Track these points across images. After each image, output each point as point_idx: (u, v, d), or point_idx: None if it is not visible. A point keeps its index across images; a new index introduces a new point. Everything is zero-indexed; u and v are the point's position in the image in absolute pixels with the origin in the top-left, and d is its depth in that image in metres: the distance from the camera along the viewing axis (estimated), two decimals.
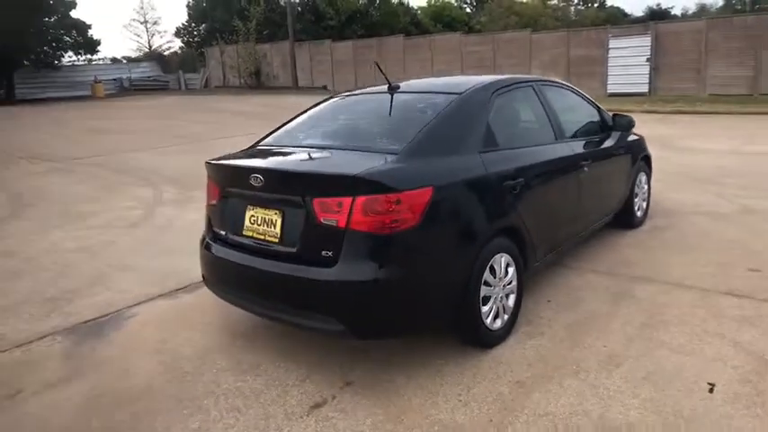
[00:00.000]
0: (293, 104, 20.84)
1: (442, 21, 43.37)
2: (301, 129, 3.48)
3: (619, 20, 47.62)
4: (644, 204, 5.19)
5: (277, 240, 2.76)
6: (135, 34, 68.66)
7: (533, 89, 3.71)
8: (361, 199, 2.47)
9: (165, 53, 45.26)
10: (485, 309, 2.90)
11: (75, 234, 5.72)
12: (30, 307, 3.95)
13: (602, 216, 4.38)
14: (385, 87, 3.54)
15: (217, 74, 33.91)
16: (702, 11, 58.05)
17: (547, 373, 2.78)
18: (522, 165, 3.20)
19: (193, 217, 6.23)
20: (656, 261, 4.25)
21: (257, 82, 30.85)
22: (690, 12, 58.11)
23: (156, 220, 6.21)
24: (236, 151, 3.44)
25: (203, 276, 3.34)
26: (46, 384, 2.93)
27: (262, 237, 2.83)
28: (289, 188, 2.73)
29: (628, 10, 58.31)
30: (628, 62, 19.22)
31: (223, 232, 3.06)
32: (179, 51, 45.13)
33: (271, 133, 3.56)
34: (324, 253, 2.57)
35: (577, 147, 3.88)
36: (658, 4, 63.38)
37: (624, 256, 4.39)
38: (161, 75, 35.72)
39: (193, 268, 4.45)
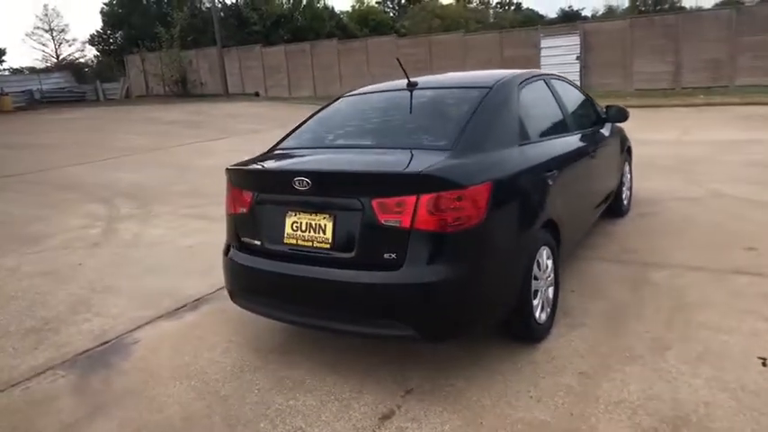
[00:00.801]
0: (229, 111, 20.38)
1: (368, 25, 43.77)
2: (326, 129, 3.35)
3: (535, 22, 50.01)
4: (628, 193, 5.42)
5: (329, 246, 2.61)
6: (40, 43, 64.06)
7: (545, 82, 3.77)
8: (426, 197, 2.39)
9: (78, 62, 42.63)
10: (534, 302, 2.90)
11: (32, 258, 5.22)
12: (10, 340, 3.55)
13: (604, 205, 4.53)
14: (399, 84, 3.48)
15: (139, 83, 32.31)
16: (610, 12, 62.08)
17: (604, 362, 2.81)
18: (553, 156, 3.24)
19: (159, 232, 5.87)
20: (655, 246, 4.44)
21: (183, 90, 29.69)
22: (599, 13, 62.15)
23: (118, 237, 5.79)
24: (253, 156, 3.25)
25: (230, 290, 3.12)
26: (66, 426, 2.62)
27: (308, 244, 2.67)
28: (343, 190, 2.61)
29: (542, 12, 61.51)
30: (559, 61, 20.09)
31: (257, 242, 2.86)
32: (94, 60, 42.67)
33: (287, 136, 3.39)
34: (386, 256, 2.47)
35: (585, 138, 3.98)
36: (570, 6, 67.00)
37: (624, 244, 4.55)
38: (76, 85, 33.57)
39: (186, 286, 4.21)
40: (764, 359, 2.71)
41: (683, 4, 39.43)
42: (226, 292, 3.33)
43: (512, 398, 2.58)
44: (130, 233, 5.92)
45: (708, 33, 17.64)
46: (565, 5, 75.76)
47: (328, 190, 2.62)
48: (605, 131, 4.55)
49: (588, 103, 4.56)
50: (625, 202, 5.27)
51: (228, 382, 2.90)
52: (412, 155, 2.69)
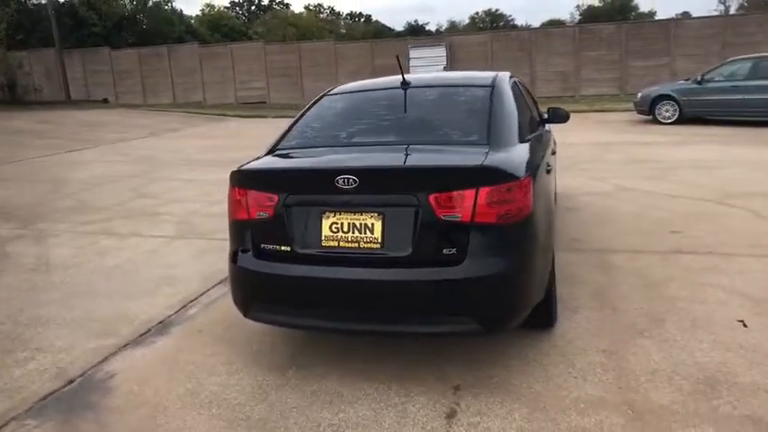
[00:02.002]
0: (82, 119, 18.34)
1: (220, 30, 42.47)
2: (333, 128, 3.21)
3: (385, 34, 52.55)
4: (557, 190, 5.92)
5: (379, 246, 2.52)
6: None
7: (516, 83, 4.01)
8: (485, 190, 2.42)
9: None
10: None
11: None
12: None
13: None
14: (390, 82, 3.48)
15: None
16: (453, 27, 67.27)
17: (619, 339, 3.06)
18: (542, 153, 3.45)
19: (67, 252, 5.16)
20: (595, 235, 4.92)
21: (12, 96, 26.04)
22: (443, 28, 67.18)
23: (14, 262, 4.96)
24: (253, 158, 3.01)
25: (244, 303, 2.84)
26: None
27: (353, 245, 2.55)
28: (396, 187, 2.53)
29: (390, 25, 64.80)
30: (428, 71, 21.21)
31: (286, 247, 2.66)
32: None
33: (284, 136, 3.19)
34: (446, 251, 2.45)
35: (547, 136, 4.30)
36: (416, 20, 71.25)
37: (569, 234, 4.97)
38: None
39: (136, 309, 3.79)
40: (743, 321, 3.16)
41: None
42: (192, 312, 3.11)
43: (558, 380, 2.70)
44: (29, 256, 5.10)
45: (557, 48, 19.88)
46: (411, 19, 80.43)
47: (378, 187, 2.53)
48: (548, 130, 4.95)
49: (535, 104, 4.92)
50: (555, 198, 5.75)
51: (256, 405, 2.65)
52: (453, 149, 2.70)
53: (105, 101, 25.70)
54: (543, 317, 3.06)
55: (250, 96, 23.73)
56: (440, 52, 21.08)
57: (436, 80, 3.71)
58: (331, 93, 3.65)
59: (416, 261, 2.48)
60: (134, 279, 4.43)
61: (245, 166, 2.85)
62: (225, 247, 5.04)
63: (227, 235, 5.39)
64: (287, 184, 2.68)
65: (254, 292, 2.79)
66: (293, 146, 3.09)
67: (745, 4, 54.44)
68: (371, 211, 2.52)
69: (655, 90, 12.59)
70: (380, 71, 22.00)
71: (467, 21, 73.85)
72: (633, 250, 4.46)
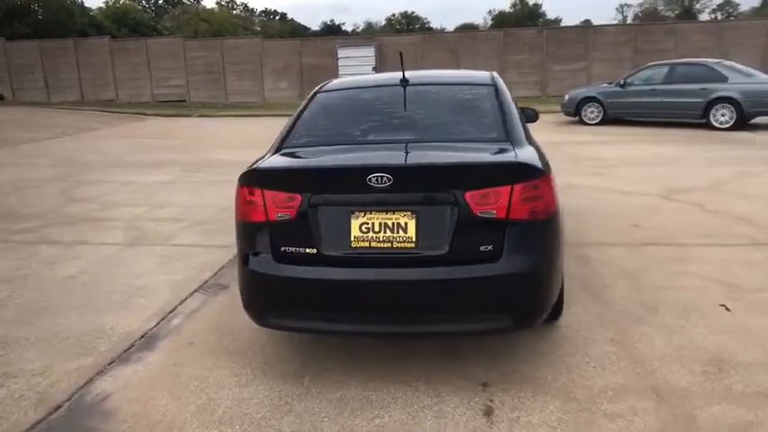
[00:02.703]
0: None
1: (127, 24, 40.26)
2: (342, 125, 3.13)
3: (301, 33, 52.28)
4: None
5: (414, 245, 2.47)
6: None
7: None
8: (519, 186, 2.46)
9: None
10: None
11: None
12: None
13: None
14: (389, 78, 3.45)
15: None
16: (370, 28, 68.00)
17: (621, 327, 3.21)
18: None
19: (5, 264, 4.67)
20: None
21: None
22: (360, 29, 67.76)
23: None
24: (261, 158, 2.86)
25: (260, 309, 2.70)
26: None
27: (386, 245, 2.49)
28: (431, 185, 2.51)
29: (306, 24, 64.58)
30: (357, 71, 21.19)
31: (311, 250, 2.55)
32: None
33: (289, 134, 3.06)
34: (482, 248, 2.46)
35: None
36: (332, 20, 71.47)
37: None
38: None
39: (111, 323, 3.55)
40: (725, 305, 3.42)
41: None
42: (175, 323, 2.98)
43: (580, 371, 2.79)
44: None
45: (483, 51, 20.56)
46: (327, 19, 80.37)
47: (413, 185, 2.49)
48: None
49: None
50: None
51: (283, 417, 2.53)
52: (477, 146, 2.72)
53: (1, 98, 23.54)
54: (553, 310, 3.15)
55: (168, 94, 22.62)
56: (369, 52, 21.15)
57: (434, 78, 3.72)
58: (326, 90, 3.55)
59: (453, 259, 2.47)
60: (97, 291, 4.09)
61: (260, 166, 2.70)
62: (189, 253, 4.85)
63: (186, 241, 5.18)
64: (312, 183, 2.58)
65: (273, 297, 2.66)
66: (302, 144, 2.98)
67: (640, 15, 59.33)
68: (404, 210, 2.48)
69: (581, 92, 13.36)
70: (309, 70, 21.78)
71: (383, 22, 75.01)
72: (602, 243, 4.70)
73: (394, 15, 77.75)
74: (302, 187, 2.55)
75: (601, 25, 22.40)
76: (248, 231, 2.71)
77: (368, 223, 2.51)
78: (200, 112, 19.12)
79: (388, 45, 21.47)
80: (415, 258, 2.49)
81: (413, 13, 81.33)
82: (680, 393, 2.57)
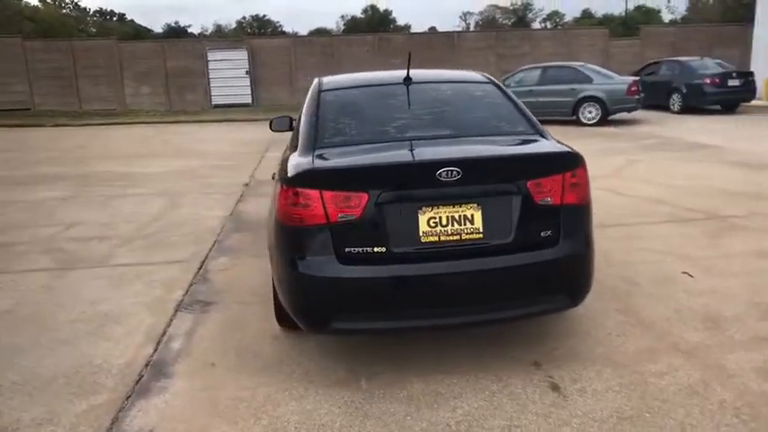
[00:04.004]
0: None
1: None
2: (370, 123, 3.09)
3: (144, 35, 49.19)
4: None
5: (482, 236, 2.55)
6: None
7: None
8: (569, 174, 2.66)
9: None
10: None
11: None
12: None
13: None
14: (393, 77, 3.50)
15: None
16: (219, 31, 65.84)
17: (619, 299, 3.56)
18: None
19: None
20: None
21: None
22: (209, 31, 65.38)
23: None
24: (302, 160, 2.72)
25: (323, 316, 2.58)
26: None
27: (455, 238, 2.53)
28: (497, 176, 2.61)
29: (147, 25, 61.16)
30: (229, 74, 20.48)
31: (380, 248, 2.50)
32: None
33: (316, 135, 2.95)
34: (543, 234, 2.62)
35: None
36: (176, 22, 68.08)
37: None
38: None
39: (99, 355, 3.19)
40: (687, 272, 3.96)
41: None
42: (176, 346, 2.96)
43: (609, 341, 3.06)
44: None
45: (359, 55, 20.90)
46: (171, 21, 76.34)
47: (480, 178, 2.56)
48: None
49: None
50: None
51: (365, 422, 2.46)
52: (516, 139, 2.86)
53: None
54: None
55: (7, 102, 19.88)
56: (241, 55, 20.48)
57: (434, 76, 3.78)
58: (329, 88, 3.44)
59: (518, 247, 2.59)
60: (54, 323, 3.57)
61: (318, 167, 2.59)
62: (140, 272, 4.46)
63: (129, 260, 4.73)
64: (380, 180, 2.53)
65: (340, 301, 2.56)
66: (338, 143, 2.90)
67: (480, 23, 64.45)
68: (470, 202, 2.55)
69: None
70: (176, 74, 20.54)
71: (233, 24, 72.89)
72: None
73: (245, 18, 75.97)
74: (369, 185, 2.50)
75: (464, 31, 24.04)
76: (300, 235, 2.58)
77: (435, 218, 2.54)
78: (55, 122, 17.11)
79: (261, 48, 20.98)
80: (482, 249, 2.57)
81: (264, 16, 79.96)
82: (699, 348, 2.96)
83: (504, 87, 3.49)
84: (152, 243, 5.22)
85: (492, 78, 3.64)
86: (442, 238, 2.55)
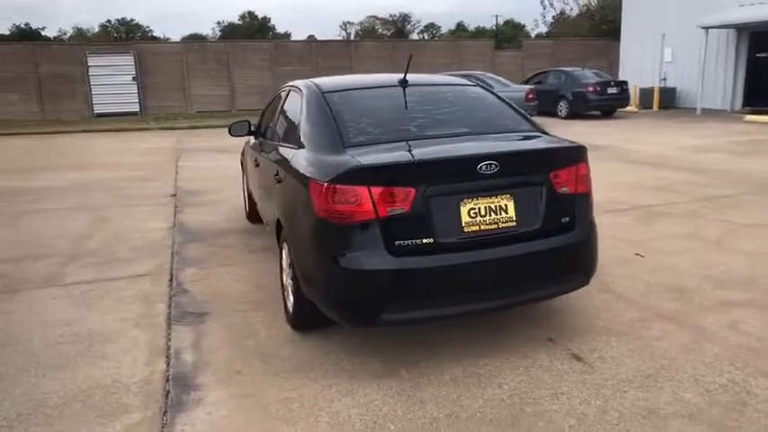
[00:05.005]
0: None
1: None
2: (388, 123, 3.20)
3: None
4: None
5: (515, 224, 2.79)
6: None
7: None
8: (581, 165, 3.00)
9: None
10: None
11: None
12: None
13: None
14: (387, 79, 3.65)
15: None
16: (80, 34, 61.19)
17: (595, 280, 3.99)
18: None
19: None
20: None
21: None
22: (67, 35, 60.45)
23: None
24: (341, 159, 2.79)
25: (373, 309, 2.66)
26: None
27: (492, 227, 2.75)
28: (527, 168, 2.85)
29: None
30: (114, 80, 19.17)
31: (428, 240, 2.64)
32: None
33: (341, 135, 3.01)
34: (563, 220, 2.92)
35: None
36: (27, 24, 62.35)
37: None
38: None
39: (106, 376, 3.04)
40: (639, 254, 4.51)
41: None
42: (189, 358, 3.09)
43: (601, 315, 3.44)
44: None
45: (254, 62, 20.55)
46: (19, 22, 69.55)
47: (513, 170, 2.78)
48: None
49: None
50: None
51: (424, 407, 2.58)
52: (527, 135, 3.16)
53: None
54: None
55: None
56: (127, 61, 19.25)
57: (428, 80, 3.93)
58: (332, 90, 3.46)
59: (544, 233, 2.86)
60: (34, 348, 3.27)
61: (365, 163, 2.66)
62: (107, 289, 4.25)
63: (86, 277, 4.48)
64: (428, 175, 2.67)
65: (391, 292, 2.66)
66: (368, 142, 2.97)
67: (360, 34, 66.01)
68: (504, 193, 2.78)
69: None
70: (51, 80, 18.89)
71: (97, 28, 67.93)
72: None
73: (110, 22, 71.04)
74: (418, 180, 2.64)
75: (362, 40, 24.52)
76: (348, 232, 2.65)
77: (475, 208, 2.74)
78: None
79: (149, 53, 19.89)
80: (516, 236, 2.81)
81: (132, 20, 75.34)
82: (679, 314, 3.43)
83: (492, 90, 3.79)
84: (102, 259, 4.88)
85: (477, 82, 3.92)
86: (482, 227, 2.75)
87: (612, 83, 15.94)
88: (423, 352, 3.07)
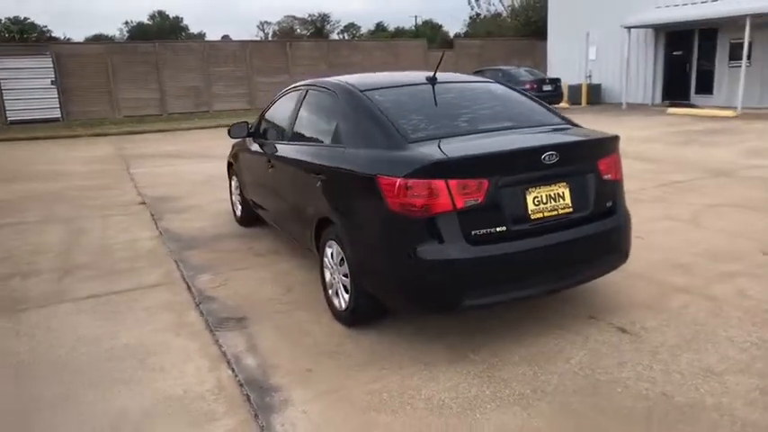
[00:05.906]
0: None
1: None
2: (439, 119, 3.35)
3: None
4: None
5: (571, 210, 3.03)
6: None
7: None
8: (617, 153, 3.31)
9: None
10: None
11: None
12: None
13: None
14: (416, 77, 3.82)
15: None
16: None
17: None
18: None
19: None
20: None
21: None
22: None
23: None
24: (412, 154, 2.93)
25: (456, 295, 2.82)
26: None
27: (553, 213, 2.97)
28: (581, 157, 3.11)
29: None
30: (30, 85, 17.92)
31: (501, 228, 2.84)
32: None
33: (397, 131, 3.12)
34: (608, 205, 3.21)
35: None
36: None
37: None
38: None
39: (170, 388, 3.23)
40: (637, 236, 4.91)
41: None
42: (251, 363, 3.21)
43: (624, 292, 3.77)
44: None
45: (185, 64, 19.89)
46: None
47: (570, 160, 3.02)
48: None
49: None
50: None
51: (510, 385, 2.78)
52: (565, 127, 3.42)
53: None
54: None
55: None
56: (44, 63, 18.03)
57: (454, 78, 4.07)
58: (370, 88, 3.53)
59: (594, 217, 3.14)
60: (80, 367, 3.17)
61: (441, 158, 2.80)
62: (123, 301, 4.27)
63: (94, 291, 4.55)
64: (500, 166, 2.85)
65: (471, 279, 2.82)
66: (425, 137, 3.10)
67: (278, 34, 65.13)
68: (561, 181, 3.02)
69: None
70: None
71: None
72: None
73: (1, 21, 65.76)
74: (491, 172, 2.82)
75: (298, 41, 24.29)
76: (426, 224, 2.79)
77: (538, 197, 2.96)
78: None
79: (69, 55, 18.74)
80: (573, 221, 3.06)
81: (26, 19, 69.95)
82: (691, 287, 3.82)
83: (512, 86, 4.05)
84: (101, 272, 4.69)
85: (497, 78, 4.17)
86: (545, 213, 2.98)
87: (547, 80, 16.87)
88: (481, 336, 3.26)
